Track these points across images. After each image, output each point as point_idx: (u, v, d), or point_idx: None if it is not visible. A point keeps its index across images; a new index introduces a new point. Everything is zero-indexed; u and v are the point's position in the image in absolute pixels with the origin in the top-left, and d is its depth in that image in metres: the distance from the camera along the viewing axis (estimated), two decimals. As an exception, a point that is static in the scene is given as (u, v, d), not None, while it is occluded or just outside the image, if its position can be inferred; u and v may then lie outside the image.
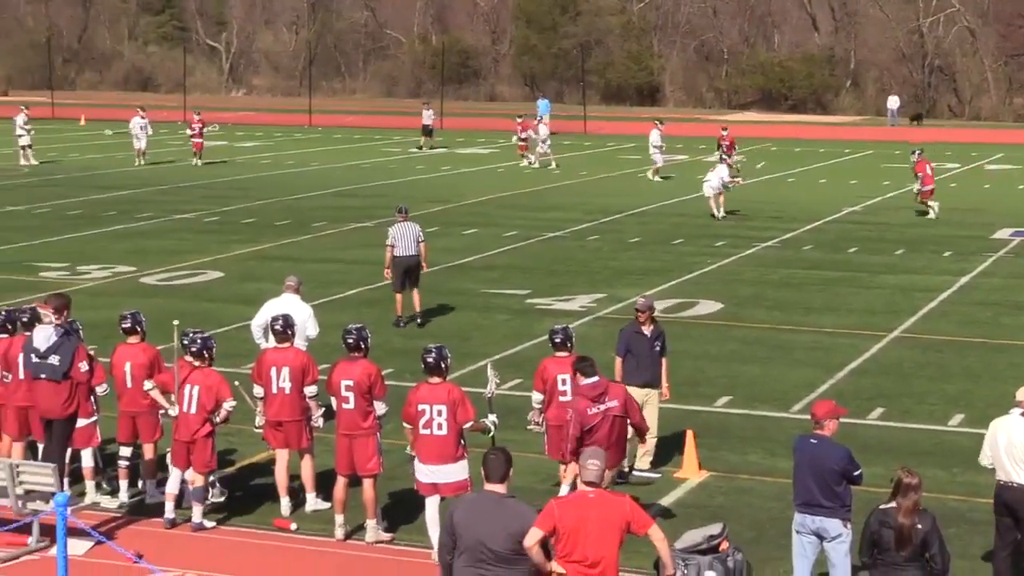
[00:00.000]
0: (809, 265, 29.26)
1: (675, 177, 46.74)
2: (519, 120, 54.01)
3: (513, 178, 46.70)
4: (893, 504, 10.25)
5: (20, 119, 48.90)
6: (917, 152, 38.32)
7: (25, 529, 12.70)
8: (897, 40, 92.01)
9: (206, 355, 13.58)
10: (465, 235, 32.85)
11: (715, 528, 11.53)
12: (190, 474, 13.49)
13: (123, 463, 14.33)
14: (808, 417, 11.66)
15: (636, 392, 14.53)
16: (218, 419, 13.44)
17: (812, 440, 11.19)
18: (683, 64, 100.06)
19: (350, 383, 13.12)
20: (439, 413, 12.56)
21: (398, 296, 22.86)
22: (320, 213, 36.65)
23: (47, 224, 34.32)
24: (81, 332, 14.29)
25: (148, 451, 14.29)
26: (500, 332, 22.38)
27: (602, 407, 12.73)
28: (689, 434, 15.55)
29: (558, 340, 14.04)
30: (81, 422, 13.88)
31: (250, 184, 44.14)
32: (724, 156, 43.00)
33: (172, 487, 13.60)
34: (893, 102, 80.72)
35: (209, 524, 13.48)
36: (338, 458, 13.26)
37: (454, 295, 25.13)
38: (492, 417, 12.93)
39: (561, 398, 13.69)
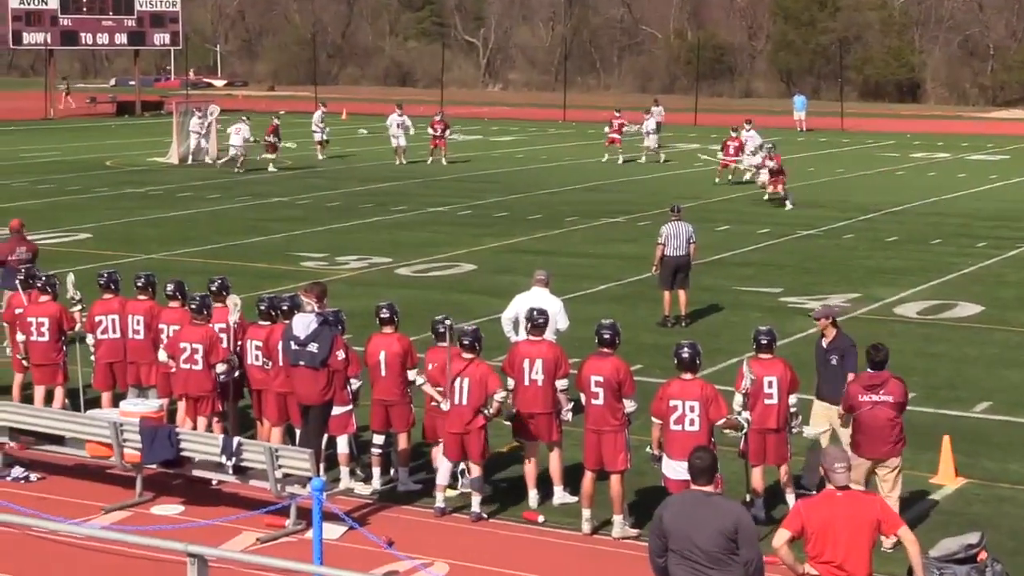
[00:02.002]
0: (1077, 268, 28.12)
1: (934, 175, 45.47)
2: (617, 114, 53.35)
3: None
4: None
5: (317, 115, 50.42)
6: None
7: (283, 511, 13.04)
8: None
9: (477, 347, 13.72)
10: (718, 231, 32.56)
11: (973, 537, 11.12)
12: (459, 466, 13.69)
13: (376, 451, 14.58)
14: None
15: (817, 404, 14.21)
16: (490, 411, 13.55)
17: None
18: (946, 59, 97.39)
19: (600, 379, 13.11)
20: (691, 409, 12.46)
21: (666, 295, 22.70)
22: (572, 208, 36.80)
23: (309, 215, 35.29)
24: (344, 323, 14.61)
25: (401, 440, 14.51)
26: (751, 330, 21.98)
27: (874, 398, 12.73)
28: (945, 439, 15.08)
29: (764, 342, 13.57)
30: (337, 410, 14.15)
31: (504, 178, 44.59)
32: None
33: (443, 478, 13.74)
34: None
35: (485, 515, 13.61)
36: (586, 453, 13.26)
37: (706, 291, 24.91)
38: (745, 414, 12.73)
39: (767, 401, 13.29)
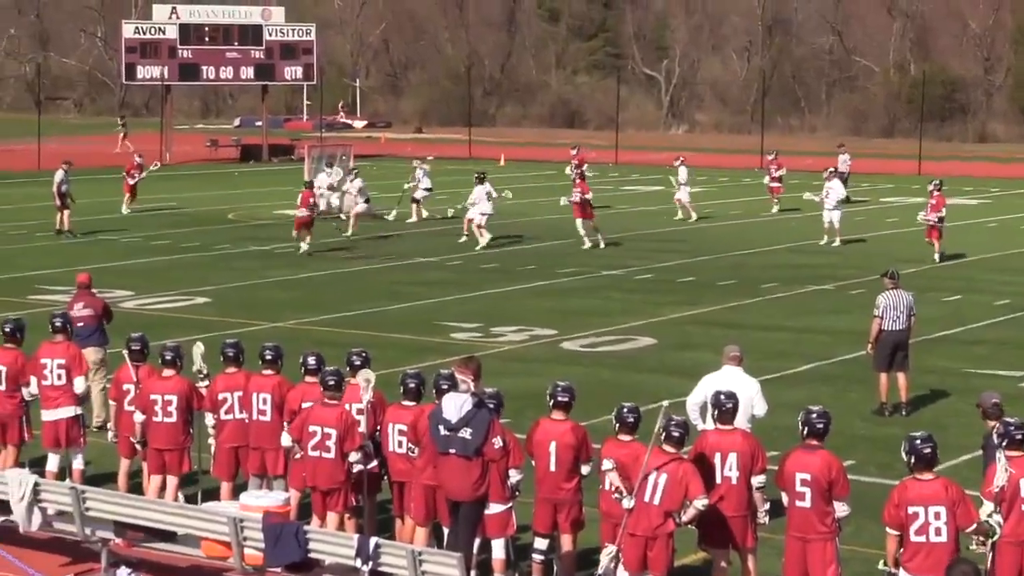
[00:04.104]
0: None
1: None
2: (770, 157, 53.22)
3: (1007, 236, 45.36)
4: None
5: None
6: None
7: (426, 625, 13.08)
8: None
9: (685, 442, 13.65)
10: (946, 302, 32.10)
11: None
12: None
13: (538, 557, 14.57)
14: None
15: None
16: (684, 518, 13.41)
17: None
18: None
19: (807, 476, 13.00)
20: (937, 516, 12.27)
21: (882, 377, 22.39)
22: (770, 272, 36.60)
23: (460, 278, 35.59)
24: (503, 406, 14.69)
25: (566, 542, 14.49)
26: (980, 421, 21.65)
27: None
28: None
29: (1019, 437, 13.00)
30: (494, 507, 14.22)
31: (689, 236, 44.51)
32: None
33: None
34: None
35: None
36: (787, 565, 13.12)
37: (930, 374, 24.54)
38: (997, 517, 12.47)
39: None
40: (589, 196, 41.30)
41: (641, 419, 14.02)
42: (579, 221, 41.19)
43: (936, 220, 38.68)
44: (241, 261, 38.54)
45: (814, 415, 13.36)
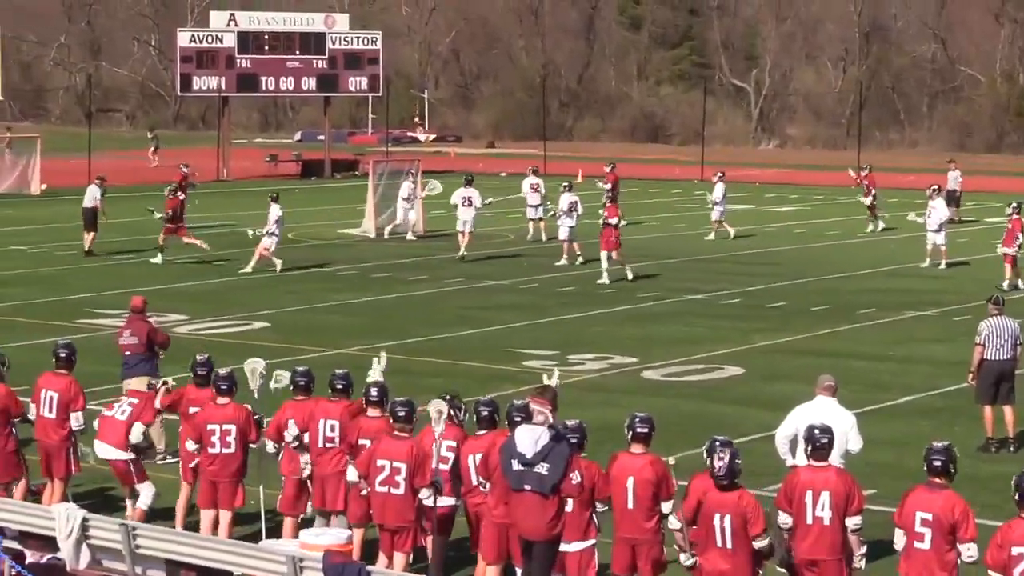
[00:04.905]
0: None
1: None
2: (863, 173, 53.24)
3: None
4: None
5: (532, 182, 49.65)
6: None
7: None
8: None
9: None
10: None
11: None
12: None
13: (616, 600, 14.57)
14: None
15: None
16: (761, 544, 13.48)
17: None
18: None
19: (928, 516, 12.96)
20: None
21: (987, 411, 22.18)
22: (867, 297, 36.41)
23: (535, 303, 35.61)
24: (586, 439, 14.62)
25: (647, 586, 14.48)
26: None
27: None
28: None
29: None
30: (575, 545, 14.17)
31: (780, 258, 44.38)
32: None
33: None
34: None
35: None
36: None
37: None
38: None
39: None
40: (614, 221, 38.46)
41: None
42: (603, 254, 38.54)
43: (1017, 249, 37.80)
44: (301, 283, 38.71)
45: (933, 452, 13.35)
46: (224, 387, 16.75)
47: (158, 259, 41.95)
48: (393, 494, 15.08)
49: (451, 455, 15.18)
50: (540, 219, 48.18)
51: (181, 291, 36.31)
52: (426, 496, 15.07)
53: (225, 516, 16.67)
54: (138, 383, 20.12)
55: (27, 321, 32.13)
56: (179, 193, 43.34)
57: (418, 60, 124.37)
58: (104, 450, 17.61)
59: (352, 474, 15.54)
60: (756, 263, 43.41)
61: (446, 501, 15.24)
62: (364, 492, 15.43)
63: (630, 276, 38.61)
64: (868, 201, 52.02)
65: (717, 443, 13.58)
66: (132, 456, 17.53)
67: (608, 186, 50.57)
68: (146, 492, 17.54)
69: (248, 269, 39.90)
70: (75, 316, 32.68)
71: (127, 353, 21.08)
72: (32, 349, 26.31)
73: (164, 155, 79.11)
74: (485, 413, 15.31)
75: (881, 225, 51.52)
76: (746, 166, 78.40)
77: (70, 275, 39.73)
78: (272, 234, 40.31)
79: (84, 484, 18.89)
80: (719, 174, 50.41)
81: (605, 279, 38.31)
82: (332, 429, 16.23)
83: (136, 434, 17.52)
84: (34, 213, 55.36)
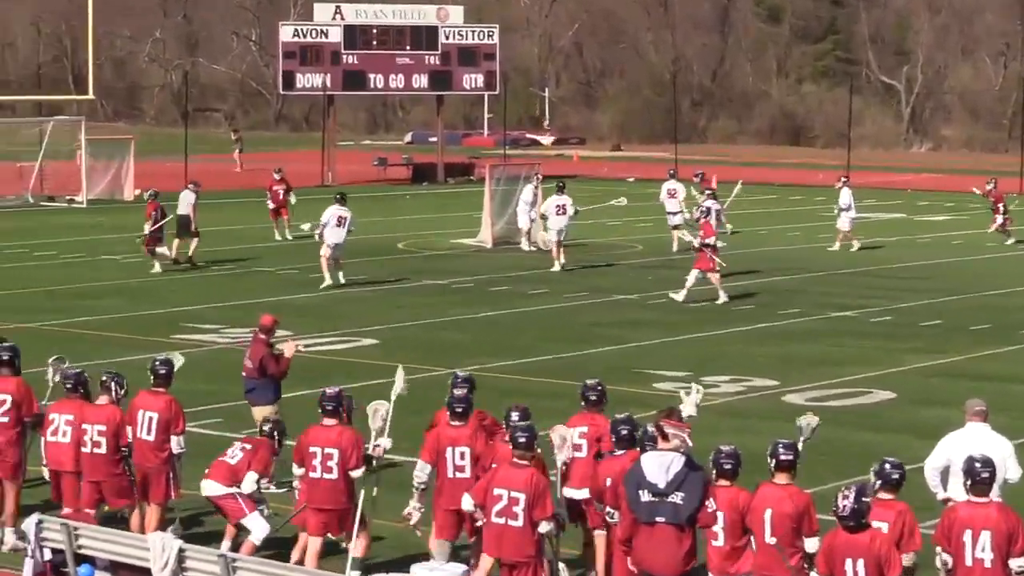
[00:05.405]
0: None
1: None
2: (988, 188, 52.79)
3: None
4: None
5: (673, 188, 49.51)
6: None
7: None
8: None
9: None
10: None
11: None
12: None
13: (754, 643, 14.50)
14: None
15: None
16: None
17: None
18: None
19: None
20: None
21: None
22: (1033, 315, 36.16)
23: (665, 319, 35.53)
24: (740, 466, 14.65)
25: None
26: None
27: None
28: None
29: None
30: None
31: (935, 272, 44.06)
32: None
33: None
34: None
35: None
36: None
37: None
38: None
39: None
40: (710, 241, 37.72)
41: (904, 478, 13.89)
42: (694, 272, 37.45)
43: None
44: (413, 297, 38.84)
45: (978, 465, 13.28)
46: (330, 408, 16.79)
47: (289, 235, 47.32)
48: (511, 526, 15.03)
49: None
50: (677, 226, 47.97)
51: (284, 304, 36.41)
52: (546, 530, 15.02)
53: (312, 543, 16.79)
54: (257, 412, 20.26)
55: (123, 336, 32.42)
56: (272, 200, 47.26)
57: (538, 55, 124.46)
58: (209, 487, 17.62)
59: (467, 502, 15.52)
60: (909, 277, 43.13)
61: None
62: (480, 523, 15.42)
63: (721, 300, 37.34)
64: (999, 220, 51.46)
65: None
66: (237, 489, 17.54)
67: (707, 191, 49.44)
68: (257, 526, 17.57)
69: (328, 281, 39.42)
70: (170, 331, 32.92)
71: (243, 375, 21.22)
72: (126, 366, 26.55)
73: (263, 158, 79.66)
74: (624, 432, 15.28)
75: (1011, 239, 50.93)
76: (896, 171, 77.90)
77: (163, 286, 40.09)
78: (322, 237, 39.86)
79: (185, 509, 19.00)
80: (843, 178, 50.15)
81: (679, 296, 37.32)
82: (462, 457, 16.39)
83: (249, 483, 17.50)
84: (126, 220, 55.84)
